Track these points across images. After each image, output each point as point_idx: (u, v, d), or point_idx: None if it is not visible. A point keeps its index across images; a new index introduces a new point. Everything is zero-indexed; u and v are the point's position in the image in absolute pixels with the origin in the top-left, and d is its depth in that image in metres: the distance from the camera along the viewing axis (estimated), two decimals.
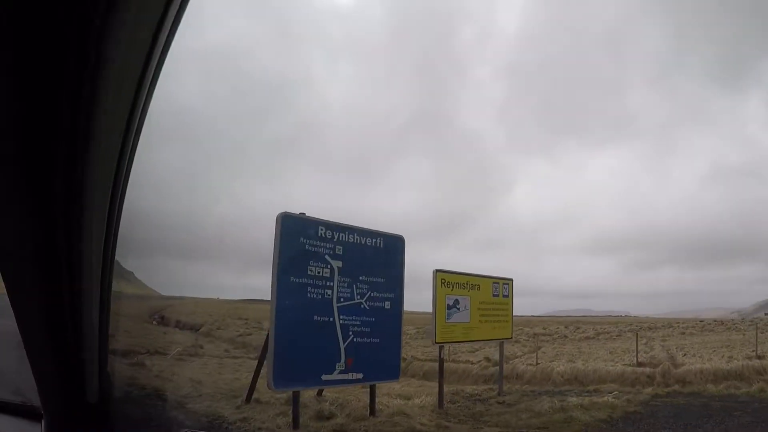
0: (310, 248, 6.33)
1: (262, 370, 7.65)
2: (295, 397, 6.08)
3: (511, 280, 9.29)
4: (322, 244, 6.45)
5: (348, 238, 6.72)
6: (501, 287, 8.99)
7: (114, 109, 1.04)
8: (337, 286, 6.49)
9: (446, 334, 7.87)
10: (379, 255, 7.03)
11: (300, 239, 6.27)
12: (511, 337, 9.71)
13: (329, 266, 6.46)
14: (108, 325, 1.48)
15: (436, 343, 7.81)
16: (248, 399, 7.37)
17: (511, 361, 17.14)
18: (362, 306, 6.74)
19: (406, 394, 8.98)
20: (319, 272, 6.34)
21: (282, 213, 6.17)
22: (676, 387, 10.04)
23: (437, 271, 7.86)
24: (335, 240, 6.58)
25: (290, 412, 6.84)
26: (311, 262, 6.30)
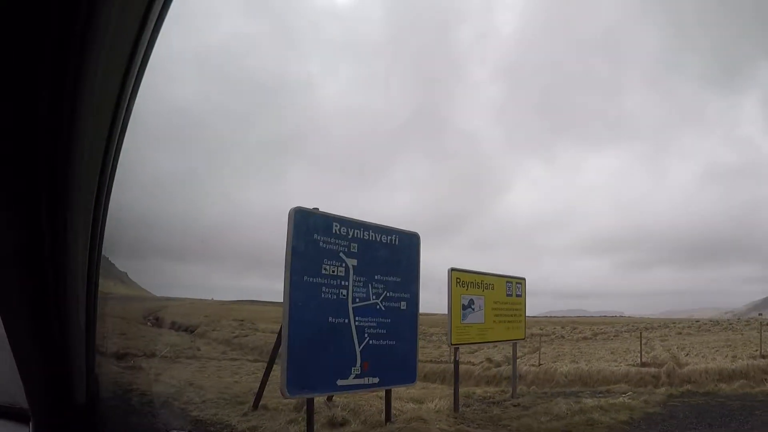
0: (324, 245, 5.85)
1: (269, 376, 7.18)
2: (310, 404, 5.60)
3: (524, 279, 8.91)
4: (337, 241, 5.98)
5: (363, 235, 6.26)
6: (514, 286, 8.60)
7: (98, 106, 1.01)
8: (352, 285, 6.02)
9: (462, 335, 7.44)
10: (394, 253, 6.58)
11: (313, 236, 5.79)
12: (524, 338, 9.33)
13: (344, 265, 6.00)
14: (95, 325, 1.43)
15: (452, 345, 7.38)
16: (255, 405, 6.86)
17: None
18: (378, 307, 6.28)
19: (416, 398, 8.54)
20: (333, 271, 5.87)
21: (294, 208, 5.70)
22: (689, 387, 9.75)
23: (452, 269, 7.43)
24: (350, 237, 6.11)
25: (301, 419, 6.37)
26: (325, 261, 5.83)
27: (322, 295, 5.75)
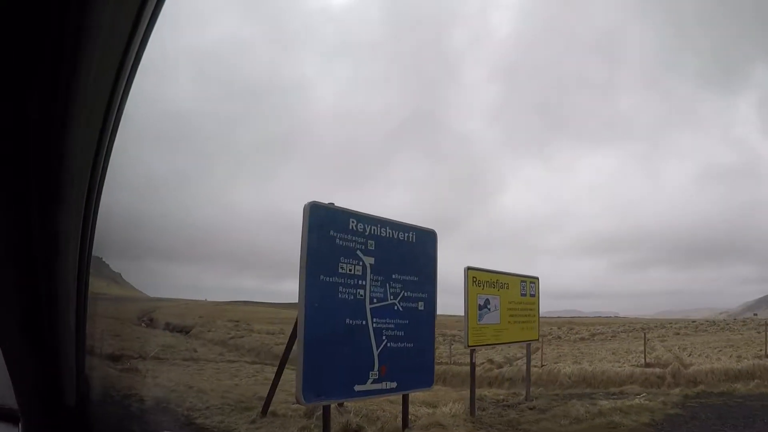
0: (340, 243, 5.45)
1: (279, 380, 6.74)
2: (326, 411, 5.20)
3: (537, 278, 8.58)
4: (354, 238, 5.58)
5: (380, 232, 5.87)
6: (528, 286, 8.27)
7: (91, 106, 1.00)
8: (369, 285, 5.63)
9: (478, 336, 7.07)
10: (411, 251, 6.20)
11: (330, 232, 5.39)
12: (538, 339, 9.01)
13: (361, 263, 5.60)
14: (85, 325, 1.42)
15: (468, 346, 7.00)
16: (264, 412, 6.42)
17: (514, 363, 16.48)
18: (395, 307, 5.89)
19: (426, 401, 8.15)
20: (350, 270, 5.47)
21: (310, 202, 5.29)
22: (703, 387, 9.50)
23: (468, 268, 7.07)
24: (367, 233, 5.72)
25: (314, 426, 5.96)
26: (342, 259, 5.43)
27: (339, 296, 5.35)
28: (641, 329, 21.88)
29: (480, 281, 7.17)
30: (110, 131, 1.10)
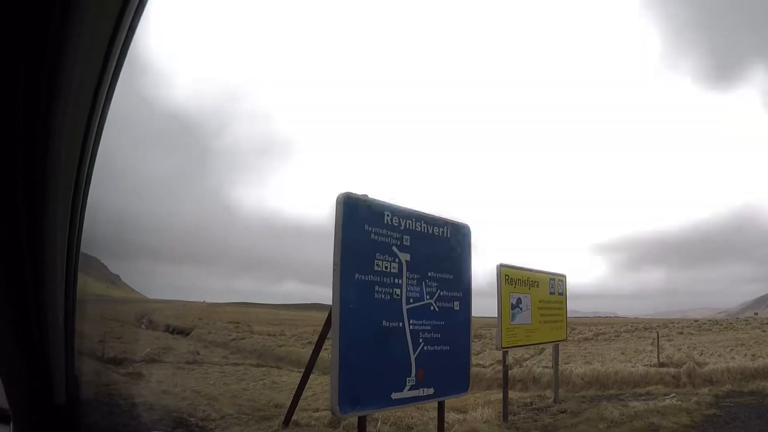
0: (376, 238, 4.89)
1: (304, 388, 6.17)
2: (362, 422, 4.65)
3: (564, 276, 8.13)
4: (389, 232, 5.02)
5: (415, 226, 5.33)
6: (556, 284, 7.81)
7: (75, 106, 0.98)
8: (406, 284, 5.10)
9: (511, 337, 6.57)
10: (446, 247, 5.67)
11: (365, 227, 4.83)
12: (566, 339, 8.55)
13: (397, 260, 5.05)
14: (74, 324, 1.38)
15: (501, 348, 6.49)
16: (286, 422, 5.84)
17: (523, 364, 16.01)
18: (432, 308, 5.35)
19: (452, 406, 7.63)
20: (386, 267, 4.91)
21: (344, 193, 4.75)
22: (731, 386, 9.11)
23: (501, 266, 6.57)
24: (402, 228, 5.18)
25: None
26: (378, 255, 4.87)
27: (375, 295, 4.79)
28: (644, 329, 21.55)
29: (512, 279, 6.68)
30: (95, 131, 1.07)
